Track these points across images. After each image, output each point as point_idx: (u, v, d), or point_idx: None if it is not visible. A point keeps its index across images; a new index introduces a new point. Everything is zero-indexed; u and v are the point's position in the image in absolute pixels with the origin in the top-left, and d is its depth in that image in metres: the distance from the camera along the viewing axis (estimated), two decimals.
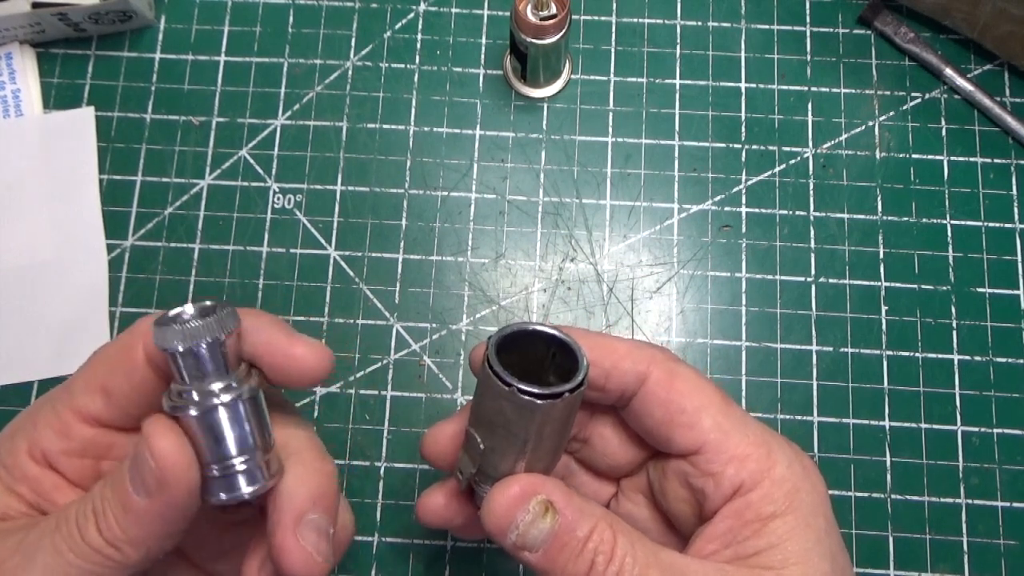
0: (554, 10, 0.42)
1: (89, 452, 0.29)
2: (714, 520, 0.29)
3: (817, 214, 0.46)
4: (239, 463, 0.27)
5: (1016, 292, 0.45)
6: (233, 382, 0.27)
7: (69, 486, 0.29)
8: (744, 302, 0.45)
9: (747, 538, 0.28)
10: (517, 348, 0.28)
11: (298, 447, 0.29)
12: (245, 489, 0.27)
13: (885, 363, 0.44)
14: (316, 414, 0.43)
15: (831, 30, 0.48)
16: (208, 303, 0.27)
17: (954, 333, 0.44)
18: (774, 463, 0.29)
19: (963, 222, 0.46)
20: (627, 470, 0.33)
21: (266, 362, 0.28)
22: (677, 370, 0.30)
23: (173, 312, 0.27)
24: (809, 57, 0.48)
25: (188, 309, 0.27)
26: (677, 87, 0.48)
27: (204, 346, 0.26)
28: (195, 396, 0.26)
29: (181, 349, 0.26)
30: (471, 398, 0.30)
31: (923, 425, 0.43)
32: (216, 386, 0.26)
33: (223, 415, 0.26)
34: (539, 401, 0.26)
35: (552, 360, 0.29)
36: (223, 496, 0.27)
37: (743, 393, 0.43)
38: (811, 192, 0.46)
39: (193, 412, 0.26)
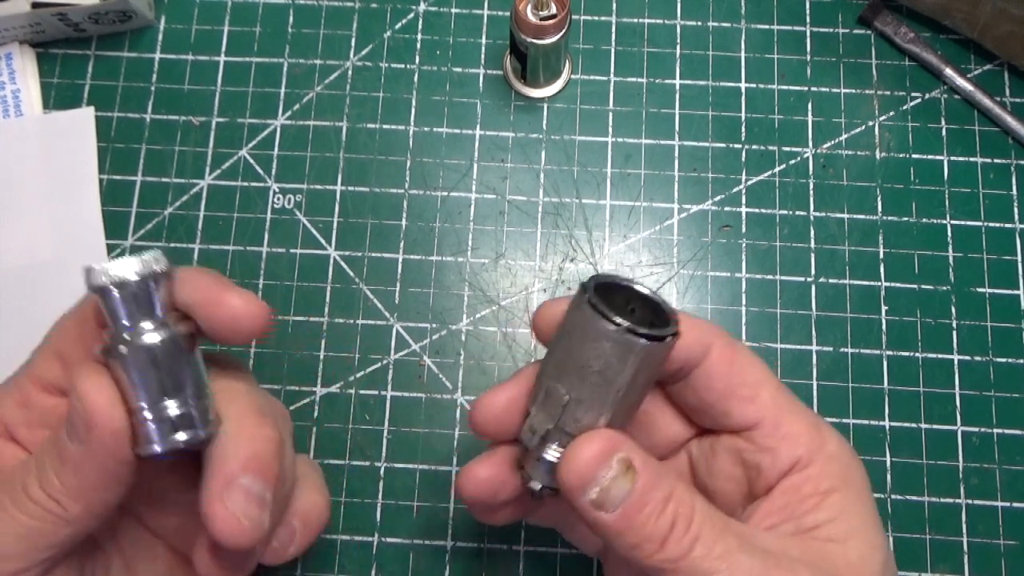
0: (554, 10, 0.42)
1: (49, 422, 0.29)
2: (771, 495, 0.29)
3: (817, 214, 0.46)
4: (171, 408, 0.26)
5: (1016, 292, 0.45)
6: (162, 323, 0.26)
7: (15, 449, 0.29)
8: (744, 302, 0.45)
9: (806, 512, 0.28)
10: (606, 300, 0.27)
11: (236, 407, 0.28)
12: (179, 436, 0.26)
13: (885, 363, 0.44)
14: (316, 414, 0.43)
15: (831, 30, 0.48)
16: (144, 252, 0.27)
17: (954, 333, 0.44)
18: (826, 441, 0.29)
19: (963, 222, 0.46)
20: (665, 450, 0.33)
21: (199, 313, 0.28)
22: (738, 346, 0.30)
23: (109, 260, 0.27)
24: (809, 57, 0.48)
25: (124, 260, 0.26)
26: (677, 87, 0.48)
27: (132, 284, 0.26)
28: (124, 336, 0.26)
29: (108, 285, 0.26)
30: (541, 356, 0.29)
31: (923, 425, 0.43)
32: (144, 326, 0.26)
33: (152, 354, 0.26)
34: (646, 341, 0.26)
35: (631, 315, 0.28)
36: (156, 446, 0.26)
37: None
38: (811, 192, 0.46)
39: (122, 350, 0.26)
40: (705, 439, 0.32)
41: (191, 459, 0.29)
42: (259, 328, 0.28)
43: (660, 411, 0.33)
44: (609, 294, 0.28)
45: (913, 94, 0.47)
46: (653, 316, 0.28)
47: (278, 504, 0.28)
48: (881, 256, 0.45)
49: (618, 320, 0.26)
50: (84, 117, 0.47)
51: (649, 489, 0.26)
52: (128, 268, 0.26)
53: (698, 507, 0.27)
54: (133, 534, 0.32)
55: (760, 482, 0.29)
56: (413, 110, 0.47)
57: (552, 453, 0.28)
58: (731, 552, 0.26)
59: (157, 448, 0.26)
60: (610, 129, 0.47)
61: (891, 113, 0.47)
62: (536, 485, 0.28)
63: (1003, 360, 0.44)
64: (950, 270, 0.45)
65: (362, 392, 0.44)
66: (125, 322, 0.26)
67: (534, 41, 0.43)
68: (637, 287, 0.29)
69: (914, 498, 0.42)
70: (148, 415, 0.26)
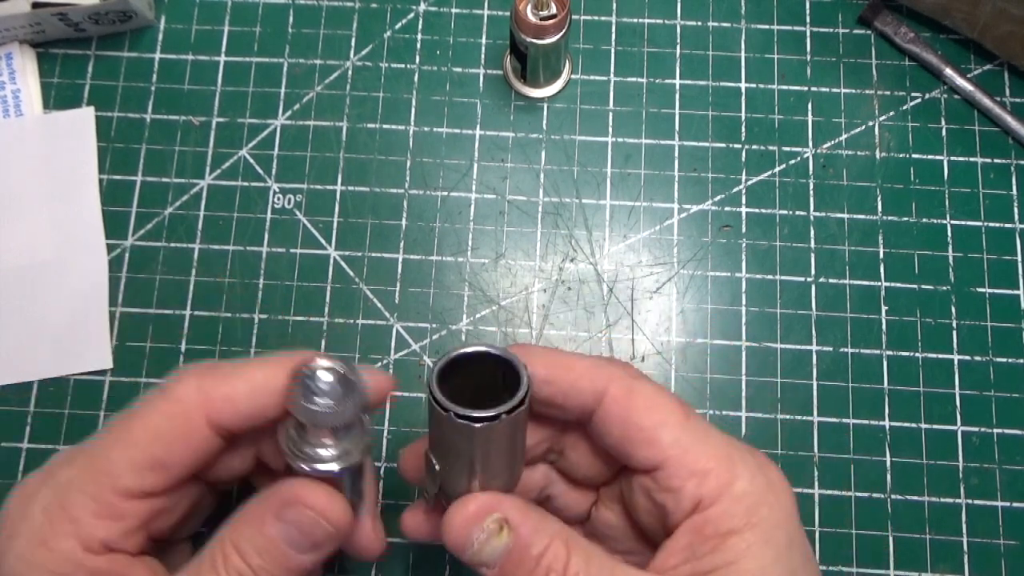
0: (554, 10, 0.42)
1: (144, 522, 0.29)
2: (675, 535, 0.29)
3: (817, 214, 0.46)
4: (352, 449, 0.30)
5: (1016, 292, 0.45)
6: (365, 432, 0.30)
7: (134, 560, 0.29)
8: (744, 302, 0.45)
9: (705, 554, 0.28)
10: (470, 371, 0.28)
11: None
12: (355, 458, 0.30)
13: (885, 363, 0.44)
14: None
15: (831, 30, 0.48)
16: (337, 367, 0.28)
17: (954, 333, 0.44)
18: (735, 477, 0.29)
19: (963, 222, 0.46)
20: (602, 480, 0.34)
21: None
22: (635, 387, 0.30)
23: (306, 372, 0.28)
24: (809, 57, 0.48)
25: (323, 376, 0.28)
26: (677, 87, 0.48)
27: (349, 418, 0.29)
28: (342, 452, 0.29)
29: (338, 422, 0.28)
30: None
31: (923, 425, 0.43)
32: (355, 443, 0.29)
33: (364, 467, 0.30)
34: (476, 425, 0.27)
35: (504, 379, 0.29)
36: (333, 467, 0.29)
37: (743, 393, 0.43)
38: (811, 192, 0.46)
39: (347, 464, 0.29)
40: (627, 475, 0.32)
41: None
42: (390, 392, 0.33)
43: (586, 447, 0.33)
44: (483, 363, 0.29)
45: (913, 94, 0.47)
46: (518, 378, 0.29)
47: None
48: (881, 256, 0.45)
49: (447, 407, 0.27)
50: (84, 117, 0.47)
51: (524, 546, 0.28)
52: (350, 410, 0.28)
53: (574, 560, 0.28)
54: None
55: (669, 521, 0.29)
56: (413, 110, 0.47)
57: (425, 496, 0.31)
58: None
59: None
60: (610, 129, 0.47)
61: (891, 113, 0.47)
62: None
63: (1003, 360, 0.44)
64: (950, 270, 0.45)
65: None
66: (334, 439, 0.29)
67: (534, 41, 0.43)
68: (487, 350, 0.29)
69: (914, 498, 0.42)
70: None
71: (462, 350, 0.29)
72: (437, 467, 0.29)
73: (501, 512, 0.28)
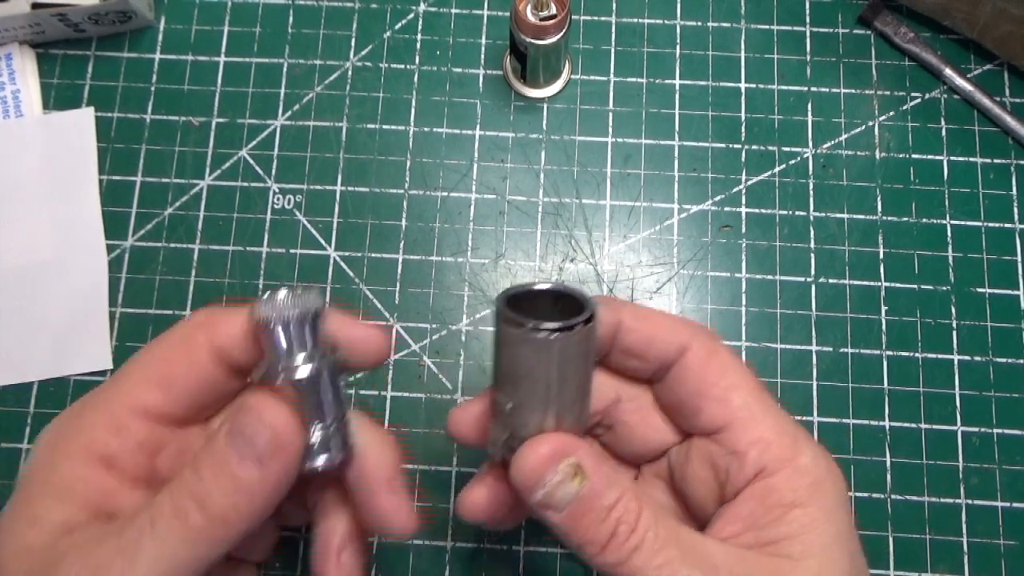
0: (554, 10, 0.42)
1: (144, 449, 0.29)
2: (737, 501, 0.29)
3: (817, 214, 0.46)
4: (332, 429, 0.28)
5: (1016, 292, 0.45)
6: (323, 354, 0.28)
7: (128, 487, 0.29)
8: (744, 302, 0.45)
9: (768, 524, 0.28)
10: (522, 311, 0.28)
11: (361, 421, 0.31)
12: (337, 454, 0.29)
13: (885, 363, 0.44)
14: None
15: (831, 30, 0.48)
16: (293, 286, 0.30)
17: (954, 333, 0.44)
18: (799, 452, 0.29)
19: (963, 222, 0.46)
20: (649, 456, 0.34)
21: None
22: (716, 348, 0.31)
23: (267, 294, 0.29)
24: (809, 57, 0.48)
25: (280, 291, 0.29)
26: (677, 87, 0.48)
27: (302, 319, 0.28)
28: (295, 365, 0.28)
29: (273, 320, 0.28)
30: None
31: (923, 425, 0.43)
32: (309, 357, 0.28)
33: (321, 382, 0.28)
34: (552, 336, 0.27)
35: (560, 314, 0.28)
36: (320, 461, 0.28)
37: None
38: (811, 192, 0.46)
39: (299, 376, 0.28)
40: (683, 444, 0.32)
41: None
42: (385, 353, 0.31)
43: (641, 418, 0.33)
44: (536, 304, 0.29)
45: (913, 94, 0.47)
46: (580, 309, 0.29)
47: None
48: (881, 256, 0.45)
49: (523, 320, 0.27)
50: (84, 117, 0.47)
51: (594, 496, 0.27)
52: (300, 305, 0.28)
53: (644, 517, 0.27)
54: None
55: (728, 487, 0.29)
56: (413, 110, 0.47)
57: (494, 449, 0.29)
58: (671, 563, 0.26)
59: (320, 462, 0.29)
60: (610, 129, 0.47)
61: (891, 113, 0.47)
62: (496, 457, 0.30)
63: (1003, 360, 0.44)
64: (950, 270, 0.45)
65: (362, 392, 0.44)
66: (290, 354, 0.28)
67: (534, 41, 0.43)
68: (552, 287, 0.29)
69: (914, 498, 0.42)
70: (313, 437, 0.28)
71: (527, 286, 0.29)
72: (508, 406, 0.28)
73: (576, 457, 0.28)
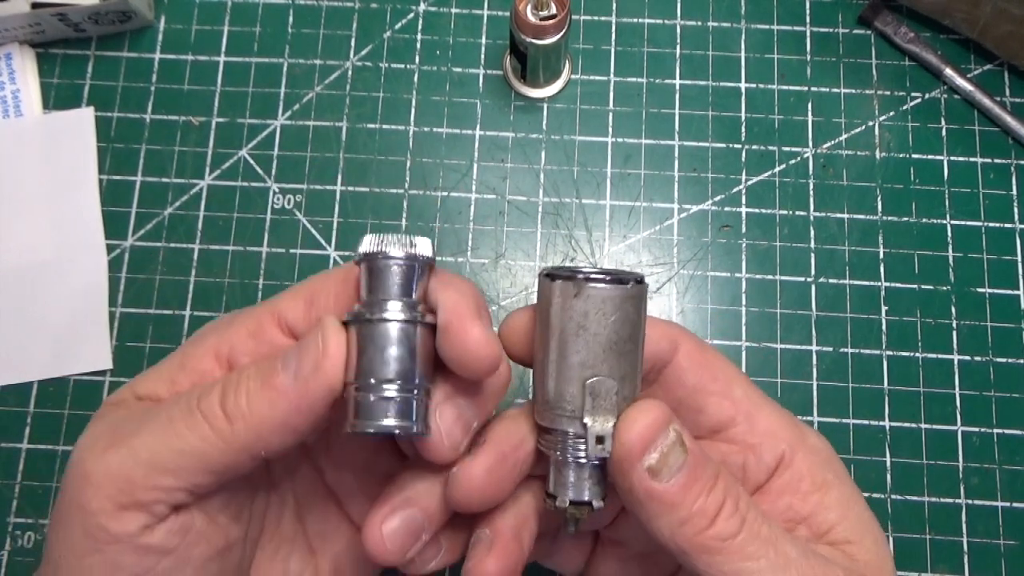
0: (554, 10, 0.42)
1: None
2: (770, 498, 0.28)
3: (817, 214, 0.46)
4: (394, 390, 0.26)
5: (1016, 292, 0.45)
6: (414, 308, 0.26)
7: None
8: (744, 302, 0.45)
9: (812, 513, 0.27)
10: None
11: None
12: (413, 424, 0.26)
13: (885, 363, 0.44)
14: None
15: (831, 30, 0.48)
16: (416, 237, 0.27)
17: (954, 333, 0.44)
18: (803, 434, 0.29)
19: (963, 222, 0.46)
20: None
21: (441, 321, 0.27)
22: (705, 345, 0.30)
23: (377, 234, 0.27)
24: (809, 57, 0.48)
25: (396, 235, 0.27)
26: (677, 87, 0.48)
27: (397, 262, 0.26)
28: (373, 308, 0.26)
29: (376, 255, 0.26)
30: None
31: (923, 425, 0.43)
32: (395, 304, 0.26)
33: (396, 332, 0.26)
34: (645, 284, 0.26)
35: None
36: (393, 421, 0.26)
37: None
38: (811, 192, 0.46)
39: (369, 319, 0.26)
40: None
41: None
42: (485, 371, 0.26)
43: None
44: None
45: (913, 94, 0.47)
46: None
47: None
48: (881, 256, 0.45)
49: (625, 278, 0.26)
50: (84, 117, 0.47)
51: (701, 463, 0.26)
52: (398, 246, 0.26)
53: (743, 490, 0.26)
54: (310, 486, 0.31)
55: (748, 484, 0.29)
56: (413, 110, 0.47)
57: (604, 443, 0.26)
58: (776, 538, 0.25)
59: (368, 426, 0.26)
60: (610, 129, 0.47)
61: (891, 113, 0.47)
62: (582, 497, 0.27)
63: (1003, 360, 0.44)
64: (950, 270, 0.45)
65: None
66: (380, 295, 0.26)
67: (534, 41, 0.43)
68: (586, 267, 0.28)
69: (914, 498, 0.42)
70: (370, 391, 0.26)
71: (566, 268, 0.28)
72: (613, 381, 0.26)
73: (678, 424, 0.26)
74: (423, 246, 0.27)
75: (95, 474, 0.25)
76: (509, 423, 0.28)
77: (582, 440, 0.26)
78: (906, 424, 0.43)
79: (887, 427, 0.43)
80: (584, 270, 0.27)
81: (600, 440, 0.26)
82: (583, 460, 0.27)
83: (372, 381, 0.26)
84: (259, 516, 0.30)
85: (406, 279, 0.27)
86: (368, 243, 0.27)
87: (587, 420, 0.26)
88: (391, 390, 0.26)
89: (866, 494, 0.42)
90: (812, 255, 0.45)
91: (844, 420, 0.43)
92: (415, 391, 0.26)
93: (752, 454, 0.28)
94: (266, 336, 0.28)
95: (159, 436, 0.25)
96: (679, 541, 0.25)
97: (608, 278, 0.26)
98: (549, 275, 0.27)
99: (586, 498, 0.27)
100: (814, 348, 0.44)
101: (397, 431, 0.26)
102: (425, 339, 0.26)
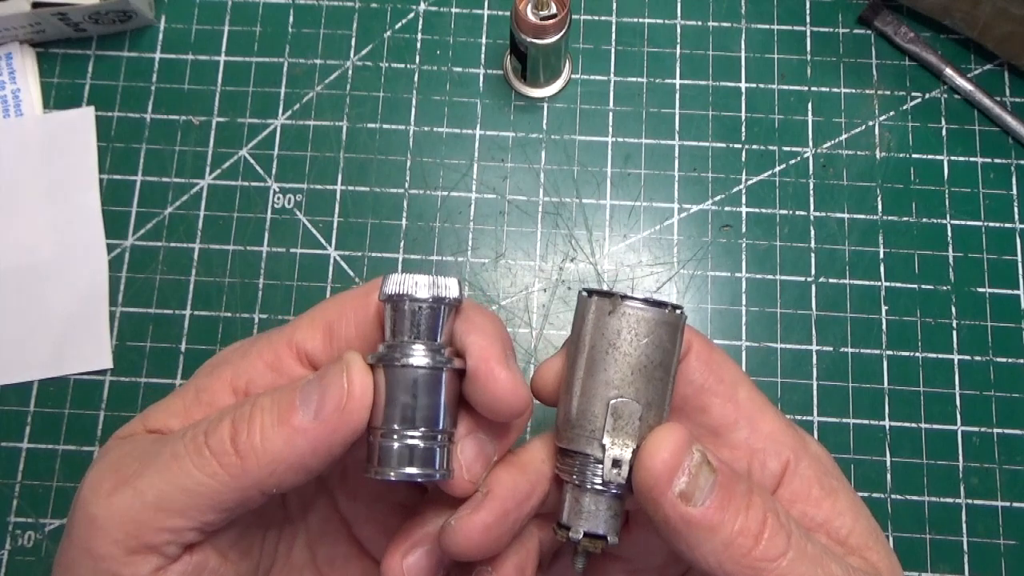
0: (554, 10, 0.42)
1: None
2: (784, 504, 0.27)
3: (817, 214, 0.46)
4: (419, 438, 0.25)
5: (1016, 292, 0.45)
6: (440, 352, 0.26)
7: None
8: (744, 302, 0.45)
9: (826, 520, 0.27)
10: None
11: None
12: (414, 471, 0.25)
13: (885, 363, 0.44)
14: None
15: (831, 30, 0.48)
16: (444, 276, 0.26)
17: (954, 333, 0.44)
18: (804, 440, 0.28)
19: (963, 222, 0.46)
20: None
21: (468, 366, 0.26)
22: (713, 346, 0.30)
23: (404, 274, 0.26)
24: (809, 57, 0.48)
25: (423, 276, 0.26)
26: (677, 87, 0.48)
27: (423, 304, 0.26)
28: (400, 352, 0.25)
29: (403, 297, 0.26)
30: (542, 366, 0.28)
31: (923, 425, 0.43)
32: (420, 349, 0.26)
33: (422, 381, 0.25)
34: (682, 313, 0.26)
35: None
36: (391, 471, 0.25)
37: None
38: (811, 192, 0.46)
39: (396, 361, 0.25)
40: None
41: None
42: (515, 414, 0.26)
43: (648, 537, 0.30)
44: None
45: (913, 94, 0.47)
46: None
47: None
48: (881, 256, 0.45)
49: (666, 303, 0.26)
50: (84, 117, 0.47)
51: (732, 480, 0.24)
52: (425, 287, 0.26)
53: (777, 502, 0.25)
54: (322, 513, 0.31)
55: None
56: (413, 110, 0.47)
57: (620, 469, 0.26)
58: (822, 556, 0.24)
59: (391, 474, 0.25)
60: (610, 129, 0.47)
61: (891, 113, 0.47)
62: (598, 530, 0.26)
63: (1003, 360, 0.44)
64: (950, 270, 0.45)
65: None
66: (406, 337, 0.26)
67: (534, 41, 0.43)
68: (630, 293, 0.28)
69: (914, 498, 0.42)
70: (395, 437, 0.25)
71: (602, 290, 0.27)
72: (638, 404, 0.25)
73: (700, 444, 0.25)
74: (451, 288, 0.26)
75: (101, 518, 0.24)
76: (517, 475, 0.27)
77: (601, 465, 0.26)
78: (906, 424, 0.43)
79: (887, 427, 0.43)
80: (625, 293, 0.27)
81: (617, 464, 0.25)
82: (601, 488, 0.26)
83: (396, 427, 0.25)
84: (271, 548, 0.29)
85: (433, 321, 0.26)
86: (394, 283, 0.26)
87: (606, 441, 0.26)
88: (416, 437, 0.25)
89: (866, 494, 0.42)
90: (812, 255, 0.45)
91: (844, 420, 0.43)
92: (439, 437, 0.25)
93: (756, 460, 0.28)
94: (285, 368, 0.27)
95: (165, 475, 0.24)
96: (727, 566, 0.24)
97: (647, 301, 0.26)
98: (587, 291, 0.27)
99: (602, 532, 0.26)
100: (814, 348, 0.44)
101: (420, 479, 0.25)
102: (451, 384, 0.26)
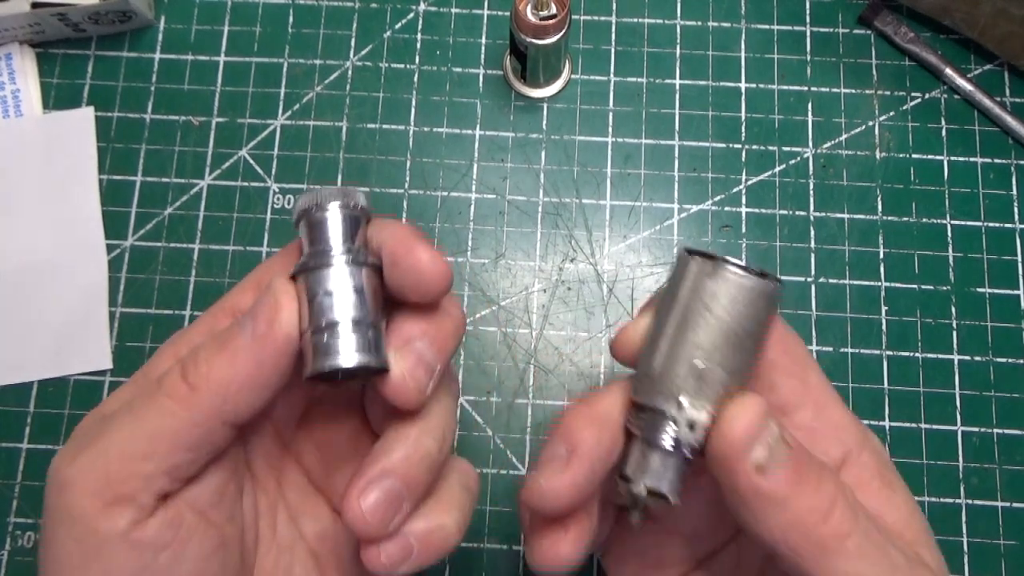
0: (554, 10, 0.42)
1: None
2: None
3: (817, 214, 0.46)
4: (348, 330, 0.26)
5: (1016, 292, 0.45)
6: (354, 251, 0.27)
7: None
8: None
9: (882, 512, 0.26)
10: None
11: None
12: (349, 359, 0.26)
13: (885, 363, 0.44)
14: None
15: (831, 30, 0.48)
16: (350, 188, 0.28)
17: (954, 333, 0.44)
18: (868, 435, 0.28)
19: (963, 222, 0.46)
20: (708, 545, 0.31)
21: (387, 258, 0.27)
22: (788, 328, 0.29)
23: (312, 188, 0.28)
24: (809, 57, 0.48)
25: (330, 188, 0.28)
26: (677, 87, 0.48)
27: (334, 211, 0.27)
28: (317, 257, 0.27)
29: (312, 209, 0.27)
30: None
31: (923, 425, 0.43)
32: (337, 249, 0.27)
33: (339, 275, 0.26)
34: (778, 282, 0.26)
35: None
36: (324, 363, 0.26)
37: None
38: (811, 192, 0.46)
39: (313, 268, 0.27)
40: None
41: (348, 401, 0.31)
42: (440, 289, 0.27)
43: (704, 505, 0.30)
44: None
45: (913, 94, 0.47)
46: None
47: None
48: (881, 256, 0.45)
49: (766, 273, 0.26)
50: (84, 117, 0.47)
51: (806, 458, 0.24)
52: (333, 198, 0.27)
53: (847, 485, 0.25)
54: (299, 488, 0.31)
55: None
56: (413, 110, 0.47)
57: (695, 431, 0.25)
58: (886, 543, 0.24)
59: (325, 365, 0.26)
60: (610, 129, 0.47)
61: (891, 113, 0.47)
62: (661, 488, 0.26)
63: (1003, 360, 0.44)
64: (950, 270, 0.45)
65: None
66: (320, 246, 0.27)
67: (534, 41, 0.43)
68: (750, 265, 0.27)
69: (914, 498, 0.42)
70: (325, 334, 0.26)
71: (704, 251, 0.27)
72: (724, 372, 0.25)
73: (775, 419, 0.25)
74: (357, 196, 0.28)
75: (71, 479, 0.25)
76: (599, 431, 0.26)
77: (675, 424, 0.25)
78: (906, 424, 0.43)
79: (887, 427, 0.43)
80: (728, 257, 0.26)
81: (691, 426, 0.25)
82: (672, 448, 0.26)
83: (324, 323, 0.26)
84: (252, 521, 0.29)
85: (345, 228, 0.27)
86: (305, 200, 0.27)
87: (685, 402, 0.25)
88: (344, 330, 0.26)
89: None
90: (812, 255, 0.45)
91: None
92: (368, 329, 0.26)
93: (818, 444, 0.27)
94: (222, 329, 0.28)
95: (127, 427, 0.25)
96: (792, 541, 0.24)
97: (749, 268, 0.26)
98: (689, 250, 0.27)
99: (665, 490, 0.26)
100: (814, 348, 0.44)
101: (355, 365, 0.26)
102: (371, 280, 0.27)
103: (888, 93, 0.47)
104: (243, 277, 0.30)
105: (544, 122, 0.47)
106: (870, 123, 0.47)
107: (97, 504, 0.24)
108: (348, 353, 0.26)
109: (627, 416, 0.27)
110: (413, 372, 0.27)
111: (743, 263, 0.26)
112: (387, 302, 0.28)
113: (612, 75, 0.48)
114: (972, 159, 0.46)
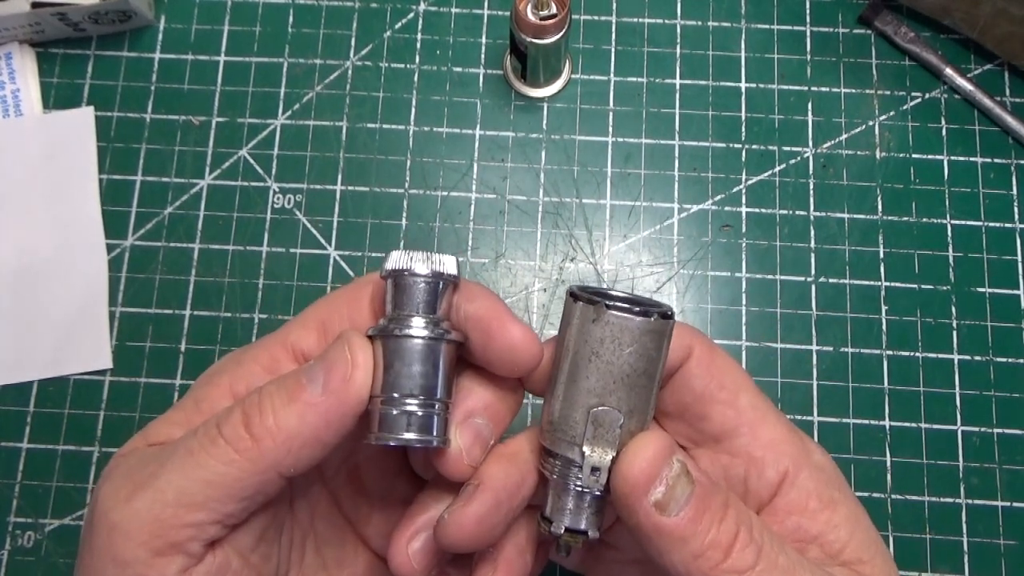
0: (554, 10, 0.42)
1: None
2: (777, 516, 0.27)
3: (817, 214, 0.46)
4: (417, 405, 0.26)
5: (1016, 292, 0.45)
6: (438, 324, 0.27)
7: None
8: (744, 302, 0.45)
9: (821, 533, 0.27)
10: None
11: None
12: (433, 437, 0.26)
13: (885, 363, 0.44)
14: None
15: (831, 30, 0.48)
16: (441, 254, 0.27)
17: (954, 333, 0.44)
18: (810, 450, 0.28)
19: (963, 222, 0.46)
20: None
21: (478, 331, 0.27)
22: (717, 351, 0.29)
23: (403, 250, 0.27)
24: (809, 57, 0.48)
25: (423, 252, 0.27)
26: (677, 87, 0.48)
27: (422, 278, 0.27)
28: (399, 324, 0.27)
29: (403, 272, 0.27)
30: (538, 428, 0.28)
31: (923, 425, 0.43)
32: (419, 321, 0.27)
33: (420, 350, 0.26)
34: (670, 320, 0.26)
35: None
36: (413, 435, 0.26)
37: None
38: (811, 192, 0.46)
39: (395, 335, 0.26)
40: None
41: (404, 459, 0.31)
42: (531, 364, 0.27)
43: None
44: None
45: (913, 94, 0.47)
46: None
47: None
48: (881, 256, 0.45)
49: (649, 310, 0.25)
50: (84, 117, 0.47)
51: (709, 493, 0.25)
52: (424, 263, 0.27)
53: (754, 516, 0.25)
54: (328, 518, 0.31)
55: (751, 499, 0.28)
56: (413, 110, 0.47)
57: (598, 475, 0.26)
58: (794, 567, 0.25)
59: (390, 439, 0.26)
60: (610, 129, 0.47)
61: (891, 113, 0.47)
62: (579, 526, 0.27)
63: (1003, 360, 0.44)
64: (950, 270, 0.45)
65: None
66: (406, 311, 0.27)
67: (534, 41, 0.43)
68: (619, 293, 0.28)
69: (914, 498, 0.42)
70: (394, 405, 0.26)
71: (591, 287, 0.27)
72: (620, 413, 0.25)
73: (681, 454, 0.25)
74: (449, 264, 0.27)
75: (123, 523, 0.24)
76: (507, 467, 0.27)
77: (580, 468, 0.26)
78: (906, 424, 0.43)
79: (887, 427, 0.43)
80: (613, 294, 0.27)
81: (595, 471, 0.26)
82: (582, 489, 0.26)
83: (396, 395, 0.26)
84: (286, 554, 0.29)
85: (431, 296, 0.27)
86: (395, 260, 0.27)
87: (586, 449, 0.26)
88: (413, 404, 0.26)
89: (866, 494, 0.42)
90: (812, 255, 0.45)
91: (844, 420, 0.43)
92: (436, 406, 0.26)
93: (755, 467, 0.28)
94: (282, 369, 0.27)
95: (183, 471, 0.24)
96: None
97: (633, 308, 0.26)
98: (573, 294, 0.27)
99: (583, 527, 0.27)
100: (814, 348, 0.44)
101: (418, 444, 0.26)
102: (448, 355, 0.27)
103: (888, 93, 0.47)
104: (303, 311, 0.29)
105: (544, 122, 0.47)
106: (870, 123, 0.47)
107: (148, 551, 0.24)
108: (415, 431, 0.26)
109: (539, 460, 0.28)
110: (470, 449, 0.27)
111: (629, 297, 0.26)
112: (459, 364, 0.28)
113: (612, 75, 0.48)
114: (972, 159, 0.46)
